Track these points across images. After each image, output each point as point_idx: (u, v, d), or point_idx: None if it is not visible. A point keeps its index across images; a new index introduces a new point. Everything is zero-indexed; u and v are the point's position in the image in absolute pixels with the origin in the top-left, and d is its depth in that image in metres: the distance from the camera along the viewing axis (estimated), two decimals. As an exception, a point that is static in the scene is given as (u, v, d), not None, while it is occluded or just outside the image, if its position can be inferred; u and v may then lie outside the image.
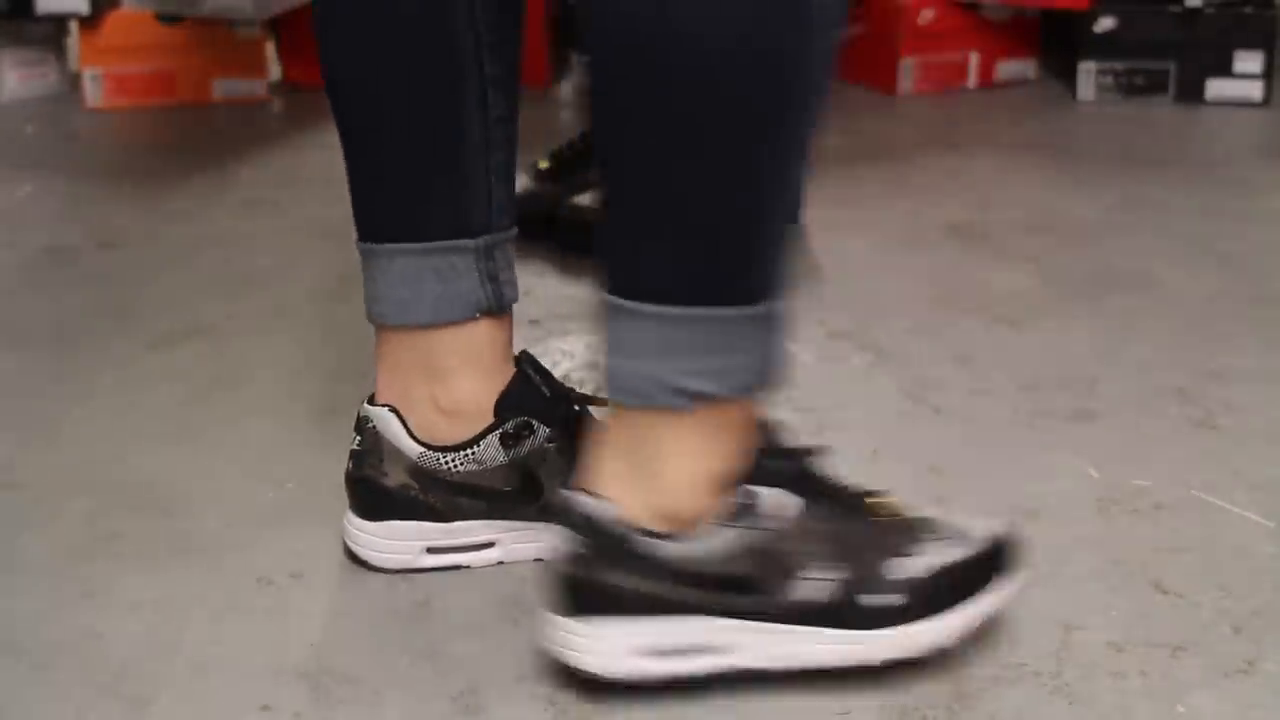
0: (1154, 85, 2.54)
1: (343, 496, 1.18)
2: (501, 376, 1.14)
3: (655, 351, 0.98)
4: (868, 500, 1.06)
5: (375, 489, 1.16)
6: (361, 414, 1.16)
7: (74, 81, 2.57)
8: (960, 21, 2.62)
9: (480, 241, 1.12)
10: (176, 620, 1.12)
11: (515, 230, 1.15)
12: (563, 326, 1.63)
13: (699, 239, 0.97)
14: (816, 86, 0.96)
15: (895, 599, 1.03)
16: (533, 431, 1.15)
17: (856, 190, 2.11)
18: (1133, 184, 2.12)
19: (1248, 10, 2.52)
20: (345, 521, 1.18)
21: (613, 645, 1.01)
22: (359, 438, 1.16)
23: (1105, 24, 2.54)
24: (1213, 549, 1.21)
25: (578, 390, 1.19)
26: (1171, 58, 2.53)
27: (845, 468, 1.33)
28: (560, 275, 1.79)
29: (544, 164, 1.93)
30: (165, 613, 1.13)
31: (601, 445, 1.03)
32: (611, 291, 0.99)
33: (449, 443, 1.14)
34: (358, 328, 1.64)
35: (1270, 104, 2.51)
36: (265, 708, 1.03)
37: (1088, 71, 2.55)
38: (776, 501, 1.01)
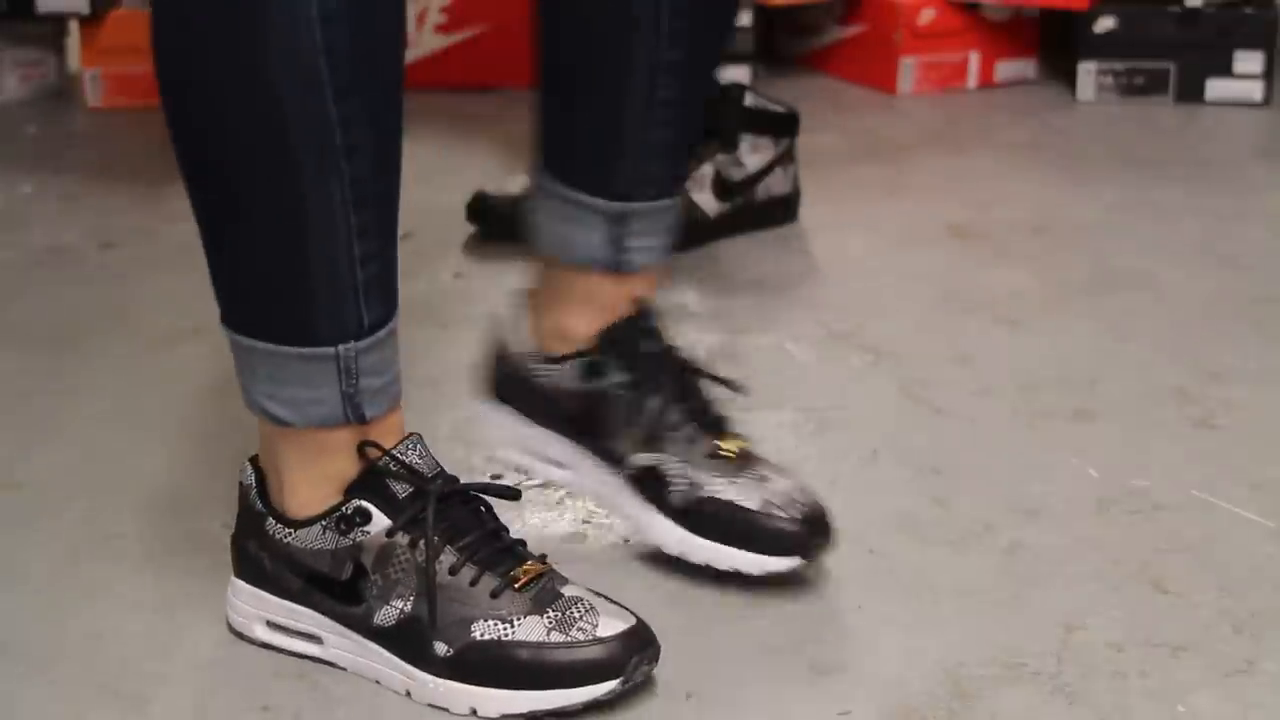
0: (1154, 85, 2.54)
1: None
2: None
3: (245, 371, 1.07)
4: (517, 552, 1.06)
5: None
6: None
7: (74, 81, 2.57)
8: (960, 21, 2.62)
9: (614, 206, 1.16)
10: (176, 620, 1.12)
11: (665, 202, 1.19)
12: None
13: (234, 272, 1.04)
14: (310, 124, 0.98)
15: (444, 649, 1.02)
16: None
17: (856, 190, 2.11)
18: (1133, 184, 2.12)
19: (1248, 10, 2.51)
20: None
21: (245, 609, 1.10)
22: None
23: (1105, 24, 2.54)
24: (1213, 549, 1.21)
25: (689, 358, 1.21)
26: (1171, 58, 2.53)
27: (845, 467, 1.33)
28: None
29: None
30: (165, 613, 1.13)
31: None
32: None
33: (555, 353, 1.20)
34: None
35: (1270, 104, 2.51)
36: (265, 708, 1.03)
37: (1088, 71, 2.55)
38: (378, 519, 1.04)
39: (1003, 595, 1.15)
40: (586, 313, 1.18)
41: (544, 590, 1.03)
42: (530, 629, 1.02)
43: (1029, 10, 2.65)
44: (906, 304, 1.72)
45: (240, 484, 1.11)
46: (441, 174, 2.07)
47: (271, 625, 1.09)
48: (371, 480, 1.05)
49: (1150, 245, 1.89)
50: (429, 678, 1.02)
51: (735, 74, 2.50)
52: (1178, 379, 1.51)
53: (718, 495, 1.15)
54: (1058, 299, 1.73)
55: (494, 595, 1.02)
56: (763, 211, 1.94)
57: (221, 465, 1.35)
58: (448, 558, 1.03)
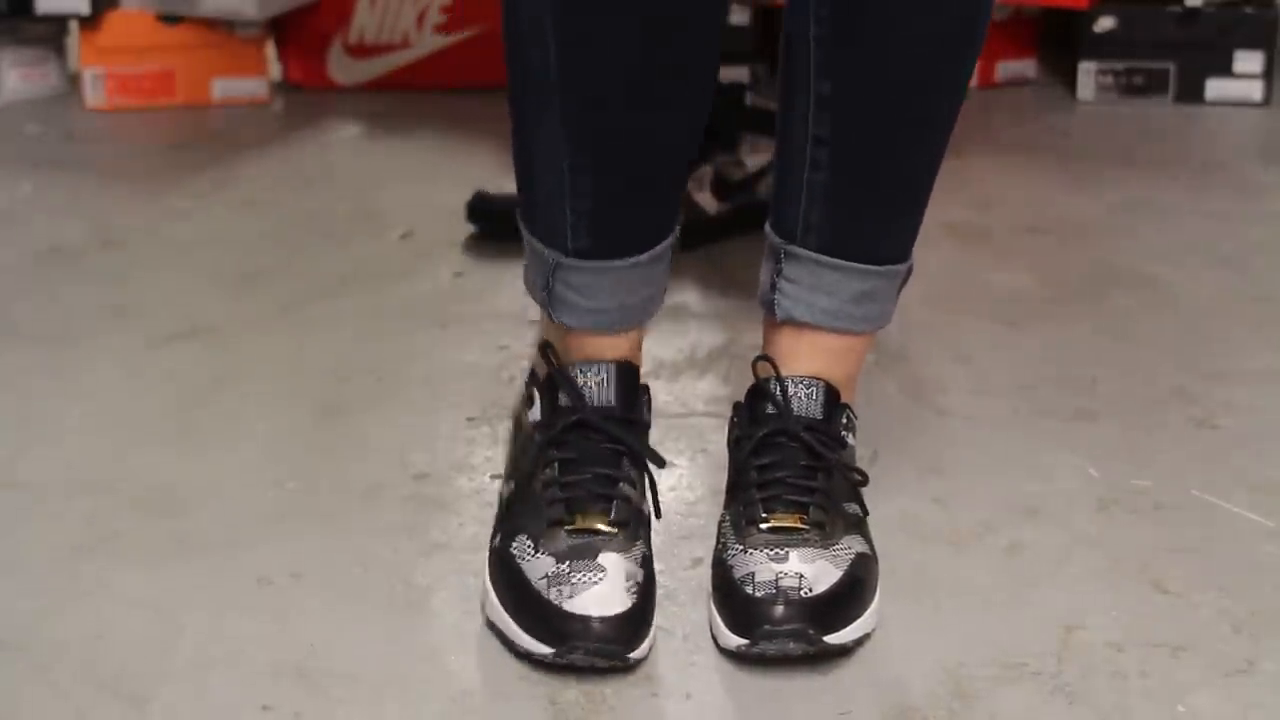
0: (1154, 85, 2.54)
1: (341, 496, 1.18)
2: None
3: None
4: (608, 504, 1.10)
5: None
6: None
7: (74, 81, 2.57)
8: (960, 21, 2.62)
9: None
10: (176, 620, 1.12)
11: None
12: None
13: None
14: None
15: (496, 539, 1.13)
16: None
17: (856, 190, 2.11)
18: (1133, 184, 2.12)
19: (1248, 10, 2.51)
20: None
21: None
22: None
23: (1105, 24, 2.54)
24: (1213, 549, 1.21)
25: None
26: (1171, 58, 2.53)
27: (845, 468, 1.33)
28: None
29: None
30: (165, 613, 1.13)
31: None
32: None
33: None
34: (358, 327, 1.64)
35: (1270, 104, 2.51)
36: (265, 708, 1.03)
37: (1088, 71, 2.55)
38: (535, 412, 1.17)
39: (1003, 595, 1.15)
40: None
41: (583, 545, 1.07)
42: (539, 566, 1.06)
43: (1029, 10, 2.65)
44: (906, 304, 1.71)
45: None
46: (441, 174, 2.07)
47: None
48: (554, 377, 1.15)
49: (1150, 245, 1.88)
50: (485, 557, 1.13)
51: (735, 74, 2.50)
52: (1178, 379, 1.51)
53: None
54: (1058, 299, 1.73)
55: (549, 524, 1.09)
56: (763, 211, 1.93)
57: (221, 464, 1.35)
58: (549, 473, 1.11)
